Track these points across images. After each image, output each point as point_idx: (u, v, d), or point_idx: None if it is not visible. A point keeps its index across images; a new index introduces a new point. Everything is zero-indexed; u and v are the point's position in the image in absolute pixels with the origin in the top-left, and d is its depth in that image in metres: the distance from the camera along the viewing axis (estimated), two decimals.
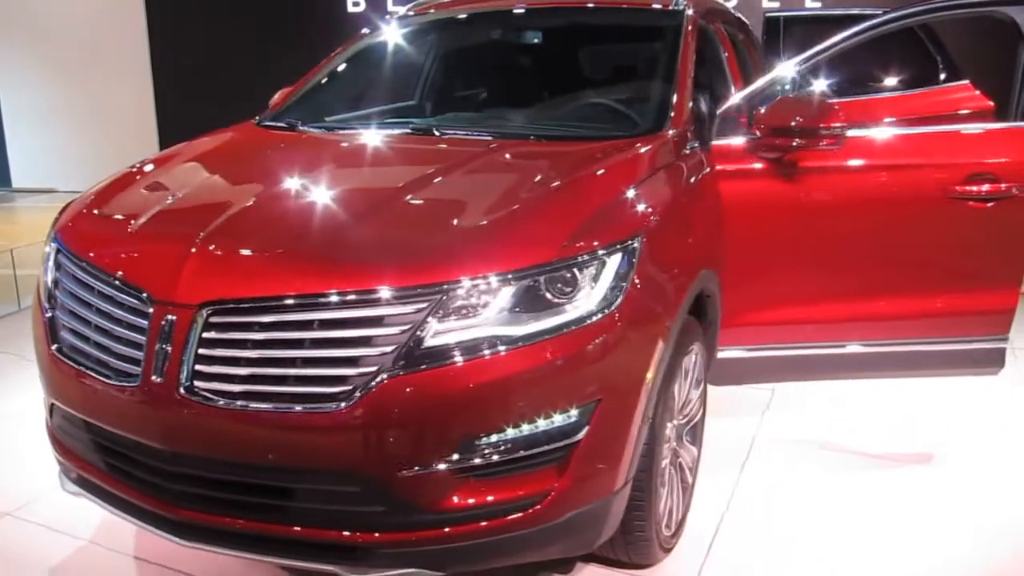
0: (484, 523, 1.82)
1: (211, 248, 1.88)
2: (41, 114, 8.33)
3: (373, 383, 1.71)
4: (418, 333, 1.73)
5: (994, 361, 2.89)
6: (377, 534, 1.79)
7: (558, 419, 1.82)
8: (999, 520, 2.63)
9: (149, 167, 2.50)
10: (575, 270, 1.85)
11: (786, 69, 2.74)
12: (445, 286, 1.75)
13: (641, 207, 2.13)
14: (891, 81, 3.93)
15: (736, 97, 2.73)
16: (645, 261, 1.98)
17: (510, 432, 1.78)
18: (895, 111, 3.30)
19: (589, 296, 1.86)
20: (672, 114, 2.61)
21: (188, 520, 1.89)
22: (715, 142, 2.70)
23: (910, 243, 2.77)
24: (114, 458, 2.01)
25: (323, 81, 3.25)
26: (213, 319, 1.80)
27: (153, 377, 1.82)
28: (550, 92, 3.15)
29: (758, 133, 2.63)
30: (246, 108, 3.35)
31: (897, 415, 3.39)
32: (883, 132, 2.75)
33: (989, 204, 2.70)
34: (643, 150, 2.39)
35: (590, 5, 3.29)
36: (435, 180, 2.20)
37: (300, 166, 2.37)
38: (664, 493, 2.28)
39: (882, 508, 2.68)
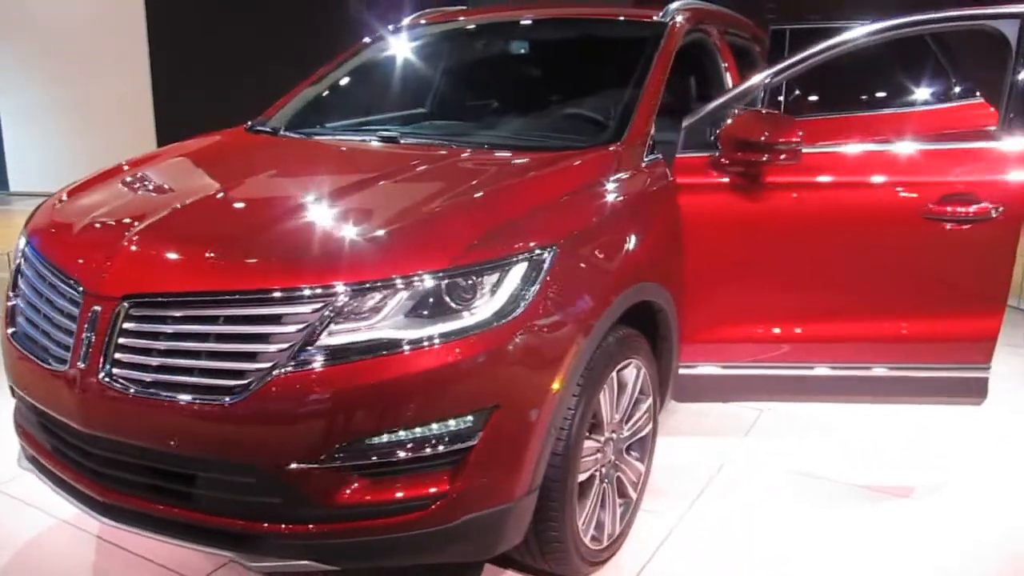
0: (376, 521, 1.86)
1: (137, 245, 1.99)
2: (39, 117, 8.31)
3: (267, 379, 1.78)
4: (312, 333, 1.79)
5: (975, 391, 2.75)
6: (271, 525, 1.85)
7: (452, 423, 1.85)
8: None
9: (123, 168, 2.65)
10: (473, 277, 1.87)
11: (753, 81, 2.69)
12: (339, 288, 1.80)
13: (560, 218, 2.13)
14: (900, 97, 3.79)
15: (703, 110, 2.70)
16: (557, 272, 1.99)
17: (402, 433, 1.82)
18: (901, 128, 3.20)
19: (488, 303, 1.88)
20: (629, 127, 2.61)
21: (110, 501, 2.00)
22: (680, 155, 2.68)
23: (881, 264, 2.68)
24: (54, 439, 2.14)
25: (318, 88, 3.37)
26: (133, 311, 1.90)
27: (79, 363, 1.93)
28: (529, 103, 3.18)
29: (720, 147, 2.60)
30: (250, 111, 3.47)
31: (891, 447, 3.25)
32: (853, 148, 2.67)
33: (966, 226, 2.59)
34: (579, 162, 2.40)
35: (574, 17, 3.31)
36: (365, 186, 2.26)
37: (251, 170, 2.48)
38: (589, 506, 2.27)
39: (845, 546, 2.56)
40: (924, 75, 3.55)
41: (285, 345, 1.79)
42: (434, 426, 1.84)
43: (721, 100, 2.69)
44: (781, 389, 2.83)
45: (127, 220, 2.12)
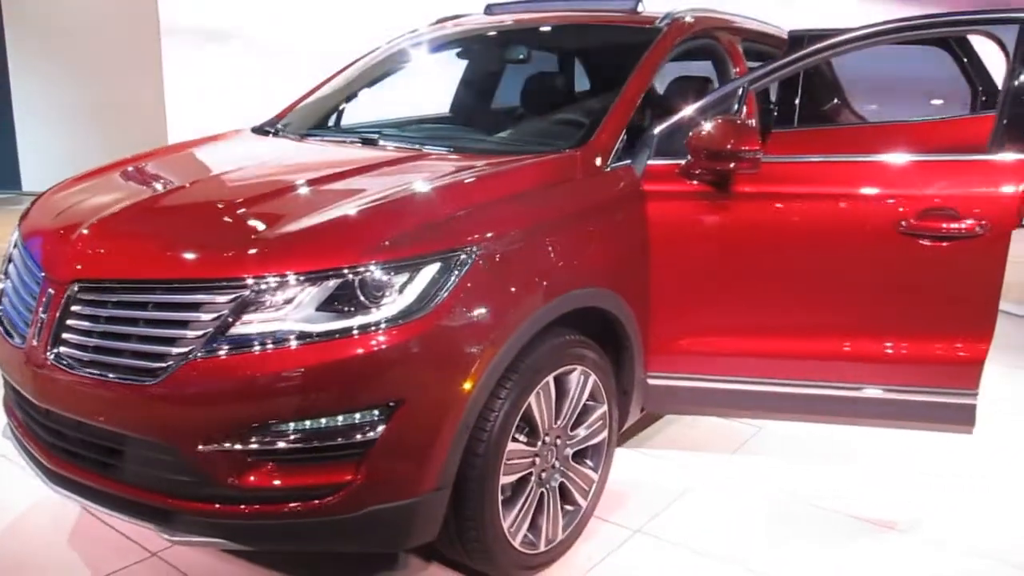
0: (281, 506, 1.93)
1: (88, 235, 2.14)
2: (52, 118, 8.21)
3: (182, 363, 1.88)
4: (226, 322, 1.88)
5: (962, 418, 2.59)
6: (187, 502, 1.95)
7: (357, 416, 1.90)
8: None
9: (114, 165, 2.82)
10: (383, 275, 1.92)
11: (727, 89, 2.63)
12: (250, 280, 1.89)
13: (490, 221, 2.15)
14: (920, 108, 3.61)
15: (677, 116, 2.65)
16: (476, 274, 2.01)
17: (307, 423, 1.89)
18: (914, 139, 3.06)
19: (397, 301, 1.92)
20: (596, 132, 2.60)
21: (59, 471, 2.15)
22: (651, 162, 2.65)
23: (855, 280, 2.57)
24: (22, 412, 2.32)
25: (329, 90, 3.50)
26: (80, 295, 2.05)
27: (33, 341, 2.09)
28: (524, 108, 3.21)
29: (690, 155, 2.55)
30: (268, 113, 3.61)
31: (891, 477, 3.07)
32: (827, 159, 2.57)
33: (946, 243, 2.46)
34: (528, 166, 2.41)
35: (571, 23, 3.31)
36: (308, 185, 2.34)
37: (218, 169, 2.61)
38: (520, 509, 2.28)
39: None
40: (949, 84, 3.38)
41: (200, 332, 1.89)
42: (339, 417, 1.90)
43: (694, 107, 2.64)
44: (750, 404, 2.74)
45: (89, 212, 2.27)
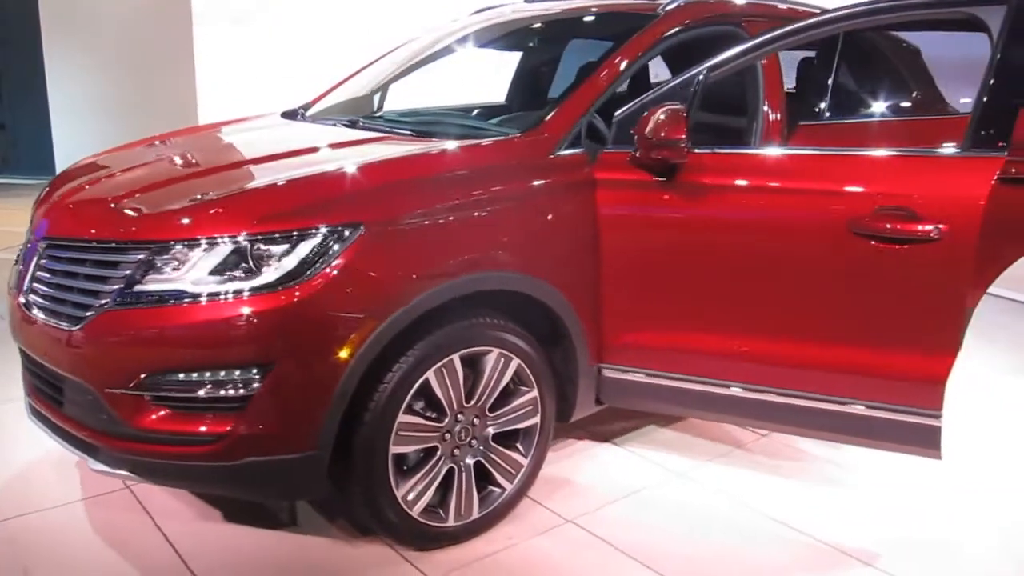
0: (173, 448, 2.14)
1: (59, 200, 2.47)
2: (87, 110, 8.14)
3: (97, 313, 2.14)
4: (132, 279, 2.11)
5: (926, 441, 2.36)
6: (102, 438, 2.21)
7: (237, 372, 2.08)
8: None
9: (130, 144, 3.17)
10: (264, 244, 2.07)
11: (687, 76, 2.53)
12: (153, 244, 2.11)
13: (389, 199, 2.23)
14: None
15: (633, 104, 2.60)
16: (362, 248, 2.12)
17: (192, 374, 2.09)
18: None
19: (275, 269, 2.07)
20: (547, 118, 2.61)
21: (32, 404, 2.50)
22: (607, 150, 2.61)
23: (802, 280, 2.40)
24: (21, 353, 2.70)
25: (363, 78, 3.70)
26: (46, 251, 2.37)
27: (18, 291, 2.45)
28: (521, 96, 3.25)
29: (637, 144, 2.50)
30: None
31: (875, 508, 2.81)
32: (777, 151, 2.42)
33: (902, 245, 2.24)
34: (454, 149, 2.47)
35: (575, 15, 3.30)
36: (250, 163, 2.53)
37: (194, 148, 2.86)
38: (420, 481, 2.35)
39: None
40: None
41: (114, 287, 2.14)
42: (221, 372, 2.08)
43: (652, 94, 2.57)
44: (698, 405, 2.64)
45: (75, 182, 2.60)
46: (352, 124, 3.02)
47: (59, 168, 7.91)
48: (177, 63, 7.23)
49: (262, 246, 2.08)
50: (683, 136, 2.33)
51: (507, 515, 2.61)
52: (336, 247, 2.10)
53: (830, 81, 3.25)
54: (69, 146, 8.16)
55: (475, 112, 3.76)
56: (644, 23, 2.92)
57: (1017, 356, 4.41)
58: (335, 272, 2.09)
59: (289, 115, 3.45)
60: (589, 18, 3.32)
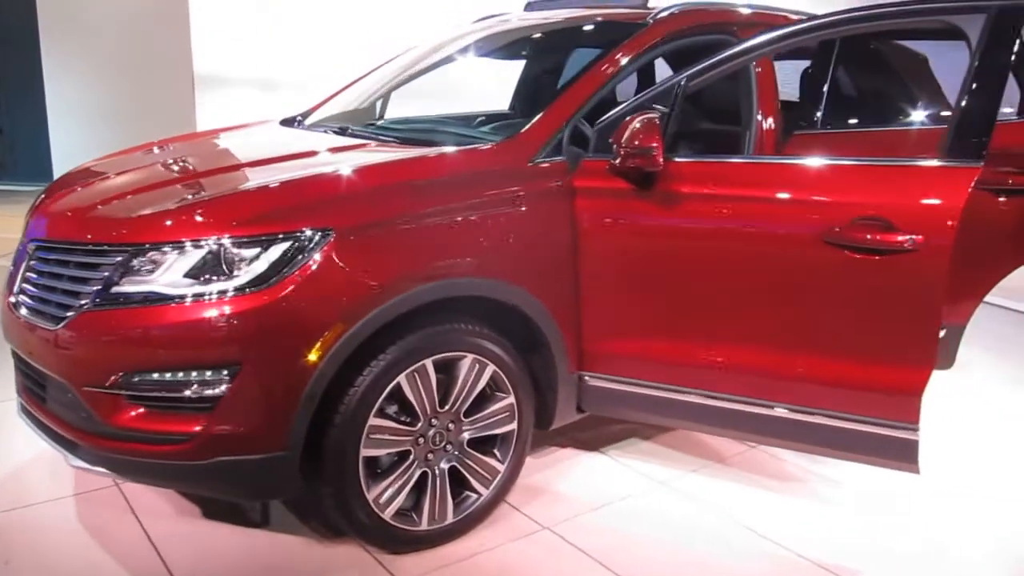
0: (147, 446, 2.18)
1: (48, 204, 2.54)
2: (84, 115, 8.08)
3: (77, 314, 2.20)
4: (109, 281, 2.17)
5: (903, 455, 2.32)
6: (81, 435, 2.27)
7: (208, 373, 2.12)
8: None
9: (142, 147, 3.25)
10: (235, 249, 2.11)
11: (666, 84, 2.53)
12: (128, 247, 2.16)
13: (360, 205, 2.26)
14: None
15: (614, 112, 2.60)
16: (331, 253, 2.15)
17: (166, 374, 2.13)
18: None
19: (244, 274, 2.11)
20: (527, 126, 2.62)
21: (23, 403, 2.57)
22: (588, 158, 2.62)
23: (778, 292, 2.38)
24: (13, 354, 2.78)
25: (357, 85, 3.76)
26: (35, 254, 2.44)
27: (8, 292, 2.52)
28: (520, 103, 3.27)
29: (615, 151, 2.50)
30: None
31: (869, 526, 2.78)
32: (757, 160, 2.40)
33: (876, 256, 2.22)
34: (432, 156, 2.50)
35: (574, 21, 3.32)
36: (234, 169, 2.58)
37: (184, 155, 2.92)
38: (392, 484, 2.37)
39: None
40: None
41: (92, 289, 2.20)
42: (192, 372, 2.13)
43: (632, 102, 2.58)
44: (675, 414, 2.62)
45: (67, 187, 2.67)
46: (342, 131, 3.06)
47: (57, 174, 7.64)
48: (175, 68, 7.16)
49: (233, 250, 2.12)
50: (655, 144, 2.33)
51: (484, 520, 2.62)
52: (305, 252, 2.13)
53: (826, 90, 3.22)
54: (67, 152, 8.04)
55: (477, 120, 3.78)
56: (633, 32, 2.93)
57: (1018, 368, 4.35)
58: (304, 277, 2.12)
59: (287, 122, 3.51)
60: (584, 27, 3.34)
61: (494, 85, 4.22)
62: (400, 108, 3.76)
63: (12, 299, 2.46)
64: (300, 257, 2.13)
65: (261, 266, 2.11)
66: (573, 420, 2.84)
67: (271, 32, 7.04)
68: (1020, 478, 3.09)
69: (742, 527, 2.68)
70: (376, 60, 3.89)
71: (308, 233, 2.15)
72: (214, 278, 2.12)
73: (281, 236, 2.13)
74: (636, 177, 2.49)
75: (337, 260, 2.17)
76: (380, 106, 3.70)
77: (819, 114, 3.25)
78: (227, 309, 2.09)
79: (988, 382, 4.03)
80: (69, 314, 2.22)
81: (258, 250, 2.12)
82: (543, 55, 3.68)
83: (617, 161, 2.49)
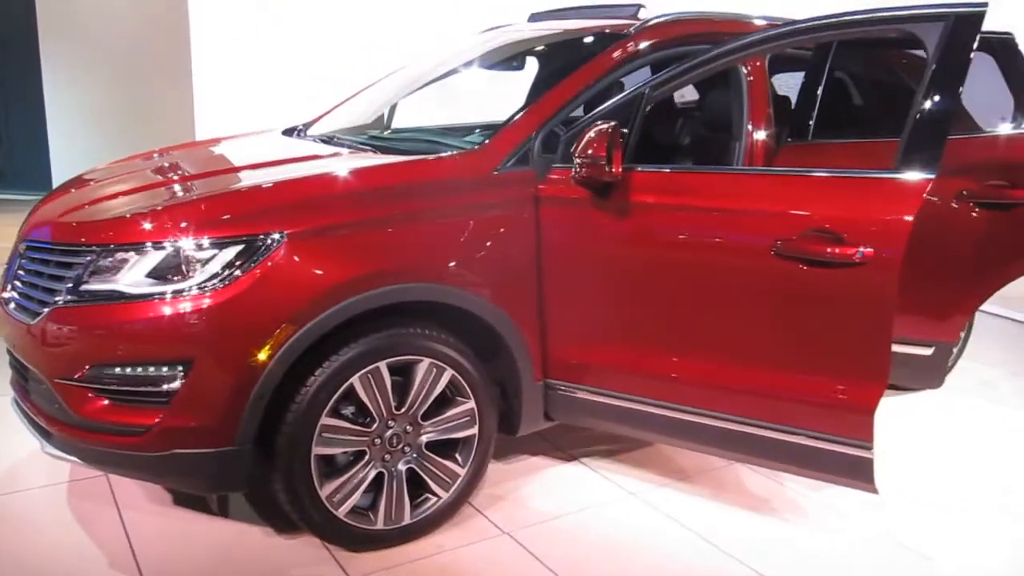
0: (109, 437, 2.30)
1: (43, 206, 2.69)
2: (84, 121, 8.13)
3: (51, 310, 2.33)
4: (79, 280, 2.30)
5: (858, 475, 2.27)
6: (55, 425, 2.40)
7: (165, 368, 2.22)
8: None
9: (140, 155, 3.40)
10: (190, 251, 2.21)
11: (629, 94, 2.54)
12: (95, 248, 2.29)
13: (313, 211, 2.33)
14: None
15: (580, 121, 2.62)
16: (284, 256, 2.23)
17: (126, 369, 2.24)
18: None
19: (201, 273, 2.20)
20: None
21: (14, 395, 2.73)
22: (555, 167, 2.65)
23: (729, 304, 2.36)
24: None
25: (361, 96, 3.86)
26: (25, 253, 2.60)
27: (1, 288, 2.68)
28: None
29: (576, 160, 2.52)
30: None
31: (857, 545, 2.72)
32: (713, 170, 2.40)
33: (826, 269, 2.19)
34: (393, 165, 2.56)
35: (570, 34, 3.36)
36: (209, 175, 2.69)
37: (173, 163, 3.04)
38: (346, 483, 2.43)
39: None
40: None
41: (64, 286, 2.33)
42: (150, 368, 2.23)
43: (596, 112, 2.60)
44: (636, 424, 2.62)
45: (60, 191, 2.83)
46: (327, 140, 3.16)
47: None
48: (175, 76, 7.19)
49: (190, 252, 2.22)
50: (605, 154, 2.34)
51: (444, 523, 2.65)
52: (258, 255, 2.22)
53: (818, 101, 3.16)
54: (66, 160, 8.08)
55: (476, 131, 3.84)
56: (607, 43, 2.95)
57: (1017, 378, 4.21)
58: (255, 279, 2.20)
59: (289, 132, 3.63)
60: (574, 38, 3.36)
61: (501, 95, 4.26)
62: (409, 118, 3.85)
63: (5, 295, 2.61)
64: (253, 260, 2.21)
65: (214, 268, 2.21)
66: (541, 427, 2.85)
67: (271, 32, 6.97)
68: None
69: (704, 542, 2.65)
70: (375, 60, 3.99)
71: (261, 236, 2.23)
72: (172, 278, 2.22)
73: (235, 239, 2.22)
74: (595, 186, 2.51)
75: (288, 264, 2.24)
76: (387, 116, 3.80)
77: (811, 124, 3.19)
78: (181, 308, 2.18)
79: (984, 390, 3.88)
80: (45, 310, 2.35)
81: (213, 252, 2.22)
82: (539, 66, 3.72)
83: (574, 171, 2.51)
